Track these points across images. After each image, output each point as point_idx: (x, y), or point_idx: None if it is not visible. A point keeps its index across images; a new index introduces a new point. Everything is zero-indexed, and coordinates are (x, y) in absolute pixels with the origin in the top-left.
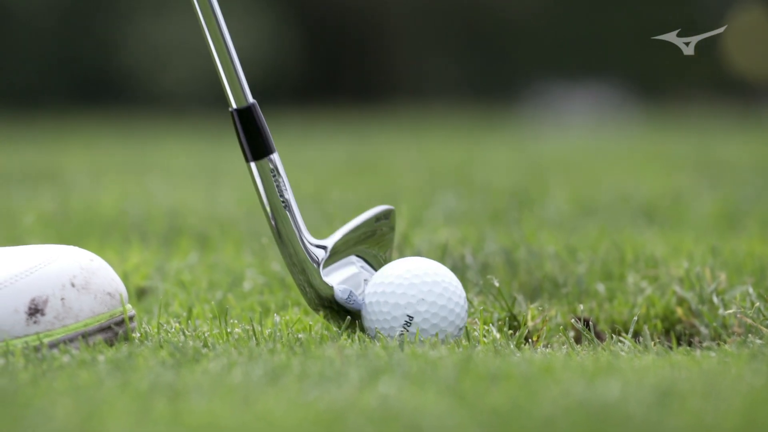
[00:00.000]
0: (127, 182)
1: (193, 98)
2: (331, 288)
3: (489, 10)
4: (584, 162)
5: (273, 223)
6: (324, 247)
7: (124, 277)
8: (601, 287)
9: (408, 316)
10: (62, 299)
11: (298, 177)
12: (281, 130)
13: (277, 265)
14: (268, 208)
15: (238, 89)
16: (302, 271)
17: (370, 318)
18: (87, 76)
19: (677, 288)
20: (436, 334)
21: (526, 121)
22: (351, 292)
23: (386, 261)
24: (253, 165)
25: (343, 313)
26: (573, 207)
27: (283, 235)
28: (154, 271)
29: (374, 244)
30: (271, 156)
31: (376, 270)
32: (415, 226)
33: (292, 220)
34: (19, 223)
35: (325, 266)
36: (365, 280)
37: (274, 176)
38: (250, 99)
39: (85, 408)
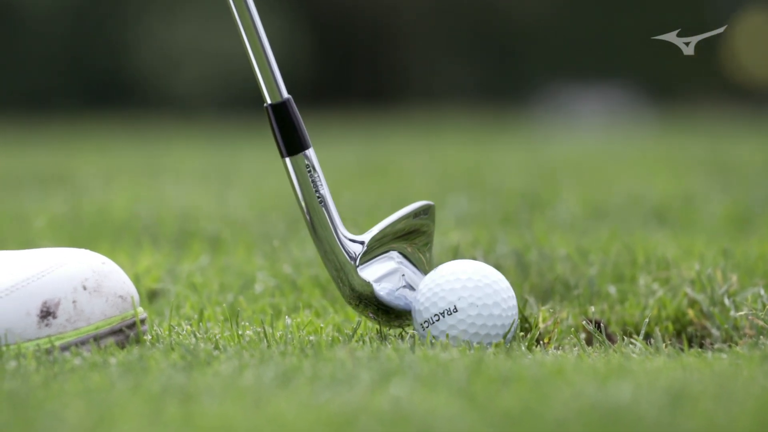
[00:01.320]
0: (139, 185)
1: (204, 100)
2: (369, 285)
3: (500, 12)
4: (595, 164)
5: (308, 219)
6: (361, 243)
7: (136, 280)
8: (612, 289)
9: (455, 307)
10: (74, 302)
11: None
12: None
13: (288, 267)
14: (303, 204)
15: (272, 84)
16: (338, 267)
17: (424, 286)
18: (98, 79)
19: (689, 290)
20: (447, 336)
21: (537, 123)
22: (391, 288)
23: (426, 257)
24: (288, 160)
25: (382, 309)
26: (584, 209)
27: (318, 231)
28: (165, 274)
29: (413, 240)
30: (307, 152)
31: (415, 266)
32: None
33: (327, 216)
34: (30, 226)
35: (361, 262)
36: (403, 275)
37: (310, 172)
38: (285, 94)
39: (96, 410)
